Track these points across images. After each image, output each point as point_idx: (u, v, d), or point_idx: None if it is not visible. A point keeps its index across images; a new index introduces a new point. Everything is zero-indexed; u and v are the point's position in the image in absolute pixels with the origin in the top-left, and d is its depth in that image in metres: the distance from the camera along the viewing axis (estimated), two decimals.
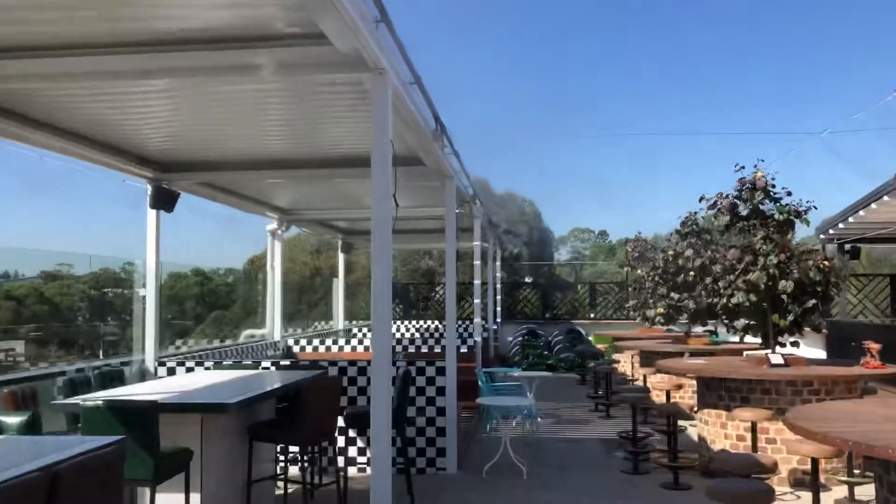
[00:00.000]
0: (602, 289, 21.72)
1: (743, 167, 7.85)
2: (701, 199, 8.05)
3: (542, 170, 71.08)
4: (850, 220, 11.93)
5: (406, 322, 18.36)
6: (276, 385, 5.69)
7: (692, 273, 11.39)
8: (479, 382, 8.85)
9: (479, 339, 10.84)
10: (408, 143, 6.27)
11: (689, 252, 11.47)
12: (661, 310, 11.63)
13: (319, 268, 27.33)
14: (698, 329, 12.34)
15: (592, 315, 20.72)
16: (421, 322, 18.33)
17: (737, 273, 7.54)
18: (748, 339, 8.25)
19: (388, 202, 3.95)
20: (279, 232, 11.39)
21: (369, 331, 15.70)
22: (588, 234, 57.94)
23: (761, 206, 7.73)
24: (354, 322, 18.64)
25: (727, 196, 7.91)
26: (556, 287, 23.47)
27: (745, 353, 8.43)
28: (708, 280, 7.85)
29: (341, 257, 15.67)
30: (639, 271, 13.04)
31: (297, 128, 6.58)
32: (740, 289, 7.40)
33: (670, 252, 11.62)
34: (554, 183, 70.93)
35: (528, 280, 25.50)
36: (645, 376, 10.92)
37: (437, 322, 17.71)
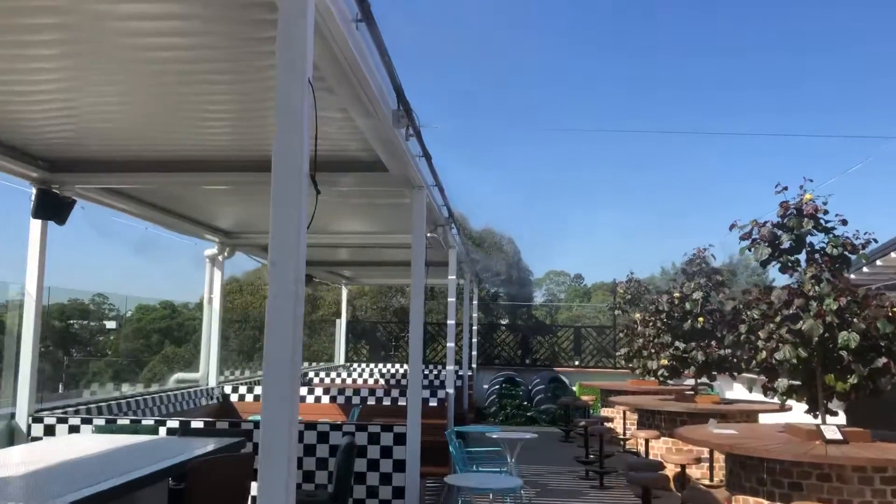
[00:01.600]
0: (584, 333, 20.08)
1: (786, 188, 6.31)
2: (732, 227, 6.48)
3: (521, 209, 69.58)
4: (879, 262, 10.43)
5: (371, 365, 16.59)
6: (155, 467, 3.92)
7: (700, 319, 9.81)
8: (451, 449, 7.12)
9: (451, 390, 9.10)
10: (361, 132, 4.65)
11: (697, 294, 9.90)
12: (664, 361, 9.98)
13: None
14: (691, 382, 10.69)
15: (577, 362, 19.00)
16: (389, 366, 16.56)
17: (778, 321, 5.94)
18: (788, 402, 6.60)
19: (300, 178, 2.28)
20: (220, 258, 9.63)
21: (327, 375, 14.02)
22: (563, 278, 56.78)
23: (809, 238, 6.18)
24: (314, 364, 16.80)
25: (765, 224, 6.35)
26: (535, 330, 21.75)
27: (764, 418, 6.82)
28: (742, 329, 6.22)
29: None
30: (636, 315, 11.41)
31: (234, 115, 4.85)
32: (786, 340, 5.78)
33: (676, 294, 10.01)
34: (533, 225, 69.63)
35: (504, 322, 23.76)
36: (647, 441, 9.24)
37: (406, 366, 15.94)
